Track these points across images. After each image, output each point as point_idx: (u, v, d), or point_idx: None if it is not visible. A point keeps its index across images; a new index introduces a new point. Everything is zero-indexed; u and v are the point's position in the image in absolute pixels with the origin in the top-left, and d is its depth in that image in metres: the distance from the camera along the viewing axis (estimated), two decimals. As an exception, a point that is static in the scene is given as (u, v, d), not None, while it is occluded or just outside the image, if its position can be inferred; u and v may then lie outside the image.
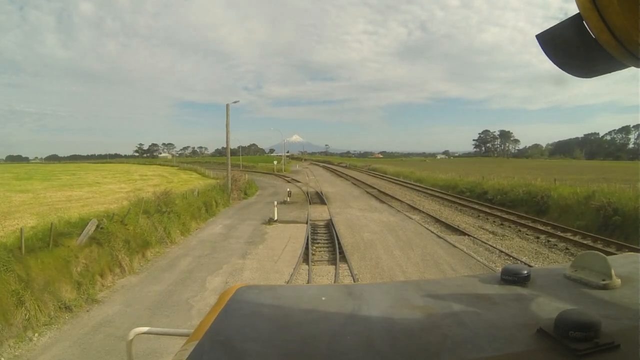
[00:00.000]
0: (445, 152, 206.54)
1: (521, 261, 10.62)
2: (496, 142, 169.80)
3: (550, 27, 0.73)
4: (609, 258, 1.11)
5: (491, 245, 12.53)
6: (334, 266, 10.67)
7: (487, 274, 1.25)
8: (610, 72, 0.71)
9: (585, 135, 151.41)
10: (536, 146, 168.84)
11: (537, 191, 18.89)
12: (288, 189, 26.30)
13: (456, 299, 1.04)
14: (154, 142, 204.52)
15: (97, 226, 10.14)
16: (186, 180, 34.26)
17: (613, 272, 1.06)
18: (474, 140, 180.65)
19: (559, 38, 0.72)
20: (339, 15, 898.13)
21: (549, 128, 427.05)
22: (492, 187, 23.12)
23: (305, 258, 11.44)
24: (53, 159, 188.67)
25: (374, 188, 31.94)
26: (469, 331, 0.86)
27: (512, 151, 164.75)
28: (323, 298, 1.07)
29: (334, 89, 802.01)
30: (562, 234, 13.67)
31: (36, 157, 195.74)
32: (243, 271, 10.43)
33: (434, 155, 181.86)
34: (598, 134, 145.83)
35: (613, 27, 0.61)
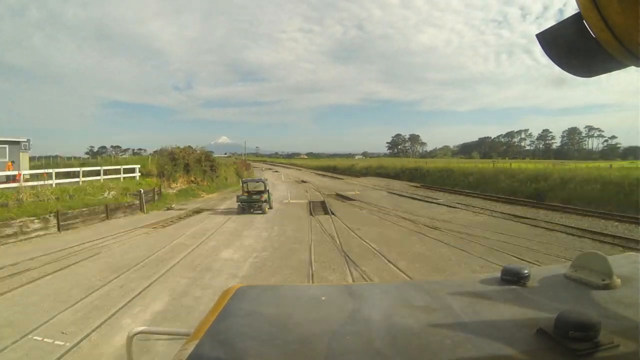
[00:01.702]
0: (364, 153, 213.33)
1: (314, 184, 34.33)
2: (406, 144, 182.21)
3: (551, 27, 0.73)
4: (609, 258, 1.11)
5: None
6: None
7: (487, 274, 1.24)
8: (610, 71, 0.71)
9: (480, 138, 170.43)
10: (446, 147, 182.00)
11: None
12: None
13: (456, 299, 1.04)
14: (103, 145, 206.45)
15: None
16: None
17: (613, 272, 1.05)
18: (387, 142, 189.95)
19: (559, 37, 0.72)
20: (276, 12, 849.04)
21: (477, 129, 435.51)
22: (341, 164, 49.55)
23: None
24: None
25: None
26: (469, 331, 0.86)
27: (421, 152, 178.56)
28: (323, 298, 1.07)
29: (266, 89, 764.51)
30: (340, 174, 37.68)
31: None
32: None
33: (353, 155, 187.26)
34: (490, 137, 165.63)
35: (613, 27, 0.61)
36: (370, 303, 1.04)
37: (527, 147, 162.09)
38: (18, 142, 25.79)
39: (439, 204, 22.02)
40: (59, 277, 9.12)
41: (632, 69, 0.68)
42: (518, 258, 9.91)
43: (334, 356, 0.78)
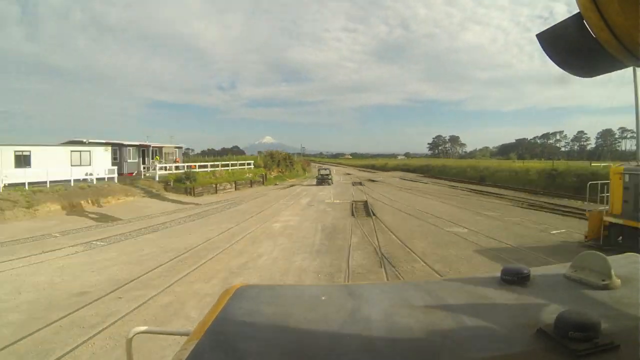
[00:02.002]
0: (407, 154, 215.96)
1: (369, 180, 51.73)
2: (447, 145, 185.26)
3: (551, 27, 0.74)
4: (609, 258, 1.11)
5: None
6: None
7: (487, 274, 1.24)
8: (610, 71, 0.72)
9: (517, 140, 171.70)
10: (486, 149, 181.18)
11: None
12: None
13: (456, 299, 1.05)
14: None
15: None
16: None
17: (613, 273, 1.06)
18: (428, 143, 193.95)
19: (559, 37, 0.73)
20: (320, 10, 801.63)
21: (522, 130, 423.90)
22: (378, 163, 65.76)
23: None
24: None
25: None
26: (469, 331, 0.86)
27: (460, 153, 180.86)
28: (323, 298, 1.08)
29: (309, 89, 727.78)
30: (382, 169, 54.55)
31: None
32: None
33: (396, 156, 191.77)
34: (527, 138, 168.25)
35: (613, 27, 0.62)
36: (370, 303, 1.04)
37: (563, 149, 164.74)
38: (181, 147, 46.15)
39: (422, 182, 39.44)
40: (265, 197, 27.77)
41: (632, 68, 0.69)
42: (429, 194, 26.95)
43: (334, 356, 0.79)
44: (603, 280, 1.07)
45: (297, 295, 1.14)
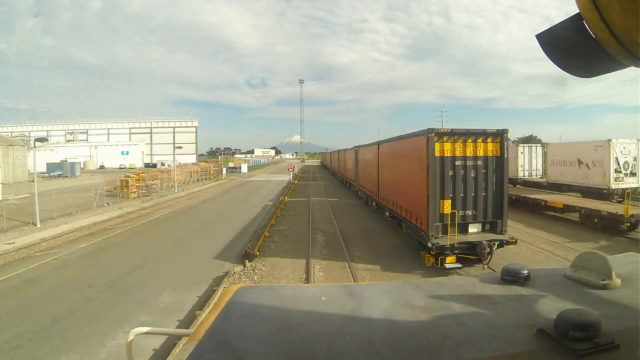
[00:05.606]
0: None
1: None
2: None
3: (550, 27, 0.74)
4: (609, 258, 1.12)
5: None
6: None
7: (487, 274, 1.26)
8: (610, 71, 0.71)
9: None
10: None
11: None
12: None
13: (456, 299, 1.06)
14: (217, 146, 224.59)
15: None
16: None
17: (613, 272, 1.07)
18: None
19: (559, 38, 0.73)
20: None
21: (554, 128, 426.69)
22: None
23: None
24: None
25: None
26: (469, 331, 0.87)
27: None
28: (323, 298, 1.09)
29: (341, 88, 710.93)
30: None
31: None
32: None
33: None
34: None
35: (613, 27, 0.62)
36: (370, 303, 1.04)
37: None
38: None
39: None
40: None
41: (632, 68, 0.67)
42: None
43: (334, 356, 0.79)
44: (603, 280, 1.06)
45: (297, 295, 1.14)
